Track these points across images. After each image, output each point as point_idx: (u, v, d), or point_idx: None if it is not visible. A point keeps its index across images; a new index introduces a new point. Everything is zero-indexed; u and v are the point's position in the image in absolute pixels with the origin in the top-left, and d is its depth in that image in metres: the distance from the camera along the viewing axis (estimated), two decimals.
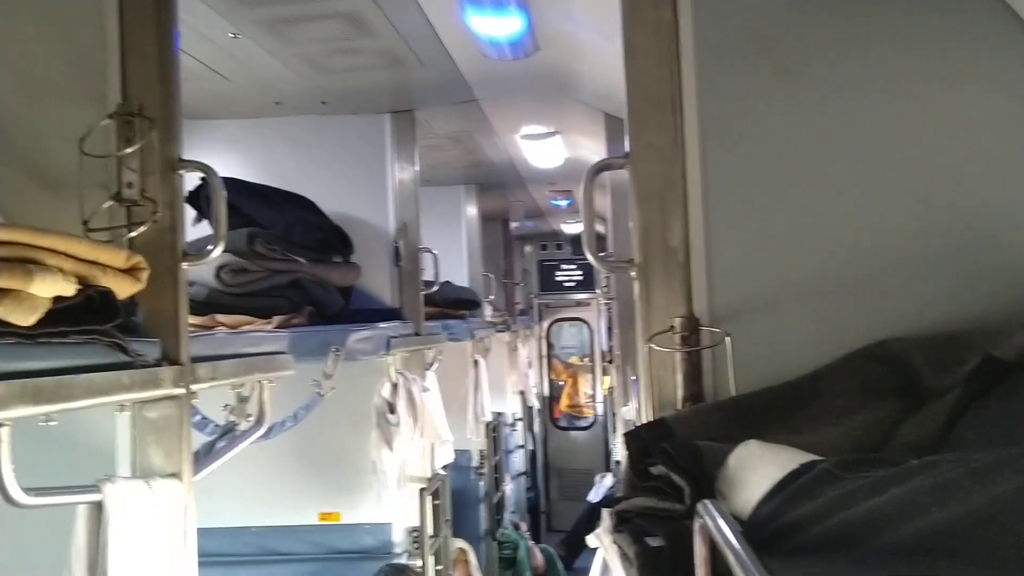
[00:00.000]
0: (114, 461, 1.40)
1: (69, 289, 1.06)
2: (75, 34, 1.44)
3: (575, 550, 6.16)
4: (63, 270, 1.05)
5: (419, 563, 3.37)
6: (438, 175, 4.91)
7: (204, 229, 2.07)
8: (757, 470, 0.96)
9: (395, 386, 3.22)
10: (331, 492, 3.36)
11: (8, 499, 1.03)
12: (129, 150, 1.39)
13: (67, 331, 1.09)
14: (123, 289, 1.20)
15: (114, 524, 1.17)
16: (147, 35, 1.45)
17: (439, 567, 3.51)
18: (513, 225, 7.53)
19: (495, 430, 5.44)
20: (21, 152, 1.38)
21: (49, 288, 1.02)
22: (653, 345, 1.40)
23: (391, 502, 3.28)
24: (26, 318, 1.00)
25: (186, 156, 1.54)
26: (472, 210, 5.79)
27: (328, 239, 3.20)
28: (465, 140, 4.42)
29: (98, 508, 1.17)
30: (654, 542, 0.98)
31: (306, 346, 2.43)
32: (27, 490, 1.05)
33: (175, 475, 1.36)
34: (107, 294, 1.17)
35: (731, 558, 0.70)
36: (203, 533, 1.46)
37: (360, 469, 3.30)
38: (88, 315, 1.14)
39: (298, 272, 2.93)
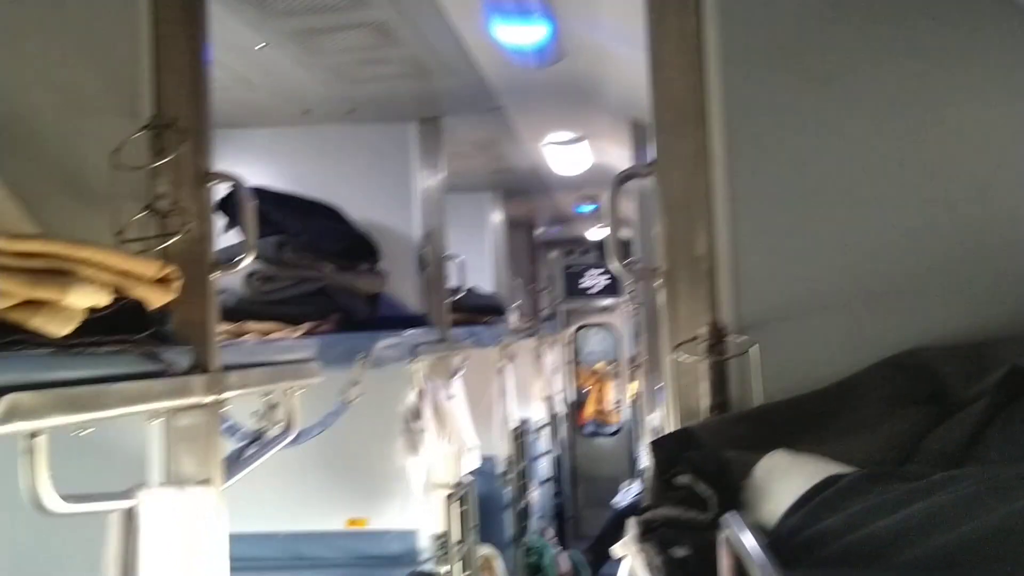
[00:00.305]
0: (145, 468, 1.42)
1: (103, 299, 1.08)
2: (109, 49, 1.47)
3: (601, 557, 6.14)
4: (97, 281, 1.07)
5: (445, 569, 3.38)
6: (463, 182, 4.93)
7: (234, 235, 2.10)
8: (783, 481, 0.96)
9: (421, 393, 3.24)
10: (358, 498, 3.38)
11: (41, 508, 1.05)
12: (161, 162, 1.41)
13: (101, 341, 1.11)
14: (156, 299, 1.22)
15: (147, 530, 1.19)
16: (179, 48, 1.47)
17: (465, 573, 3.52)
18: (538, 231, 7.54)
19: (521, 436, 5.45)
20: (56, 165, 1.41)
21: (84, 299, 1.04)
22: (678, 354, 1.40)
23: (417, 509, 3.30)
24: (61, 328, 1.03)
25: (216, 165, 1.56)
26: (497, 216, 5.81)
27: (355, 247, 3.23)
28: (490, 147, 4.44)
29: (131, 515, 1.19)
30: (679, 552, 0.99)
31: (333, 353, 2.45)
32: (62, 498, 1.07)
33: (206, 481, 1.38)
34: (140, 304, 1.19)
35: (755, 571, 0.71)
36: (233, 539, 1.47)
37: (387, 475, 3.32)
38: (121, 325, 1.16)
39: (325, 279, 2.95)
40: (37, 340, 1.00)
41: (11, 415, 0.92)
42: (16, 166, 1.26)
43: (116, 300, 1.13)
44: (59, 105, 1.45)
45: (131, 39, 1.45)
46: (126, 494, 1.20)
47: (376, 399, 2.83)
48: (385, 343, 2.80)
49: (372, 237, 3.32)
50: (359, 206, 3.36)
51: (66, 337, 1.04)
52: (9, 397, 0.92)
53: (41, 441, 1.00)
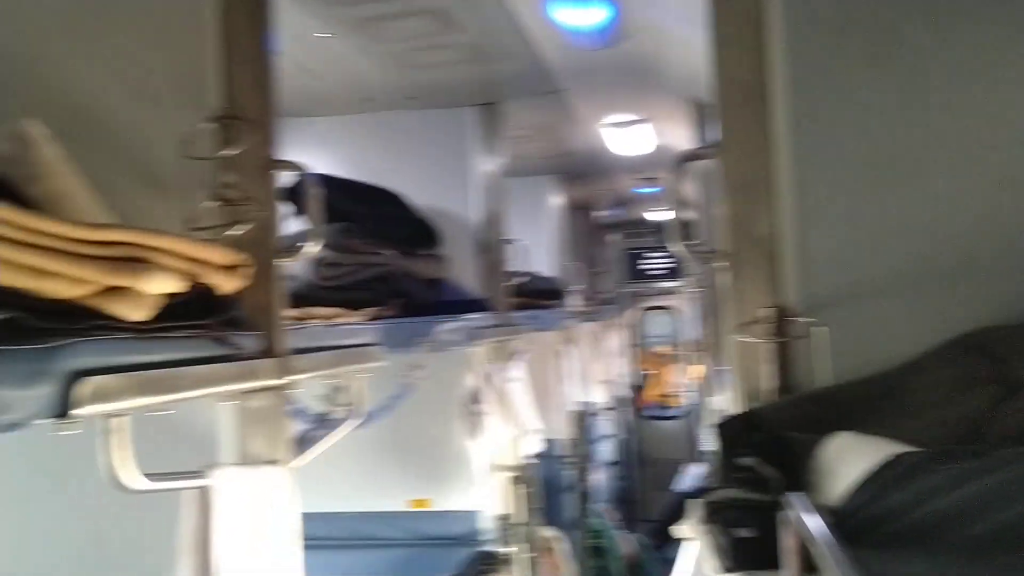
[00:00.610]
0: (217, 449, 1.46)
1: (177, 286, 1.11)
2: (178, 42, 1.51)
3: (664, 539, 6.13)
4: (171, 269, 1.11)
5: (508, 551, 3.42)
6: (523, 165, 4.93)
7: (299, 223, 2.14)
8: (848, 462, 0.96)
9: (482, 376, 3.27)
10: (421, 479, 3.43)
11: (119, 486, 1.09)
12: (229, 152, 1.45)
13: (175, 326, 1.15)
14: (226, 285, 1.25)
15: (221, 508, 1.23)
16: (246, 40, 1.51)
17: (528, 555, 3.55)
18: (599, 214, 7.50)
19: (582, 420, 5.46)
20: (130, 157, 1.46)
21: (159, 286, 1.08)
22: (741, 335, 1.39)
23: (479, 490, 3.33)
24: (138, 314, 1.06)
25: (282, 154, 1.59)
26: (557, 200, 5.80)
27: (416, 232, 3.26)
28: (550, 130, 4.43)
29: (205, 493, 1.23)
30: (743, 533, 0.99)
31: (396, 338, 2.49)
32: (140, 476, 1.11)
33: (276, 461, 1.42)
34: (211, 291, 1.23)
35: (818, 549, 0.71)
36: (302, 517, 1.51)
37: (449, 457, 3.37)
38: (194, 311, 1.19)
39: (388, 265, 2.99)
40: (116, 325, 1.04)
41: (93, 397, 0.96)
42: (93, 159, 1.30)
43: (189, 287, 1.16)
44: (132, 99, 1.49)
45: (200, 32, 1.48)
46: (200, 473, 1.24)
47: (438, 382, 2.87)
48: (446, 327, 2.83)
49: (433, 222, 3.35)
50: (420, 192, 3.39)
51: (143, 323, 1.07)
52: (92, 380, 0.96)
53: (120, 422, 1.04)
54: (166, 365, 1.13)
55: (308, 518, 1.53)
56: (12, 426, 0.91)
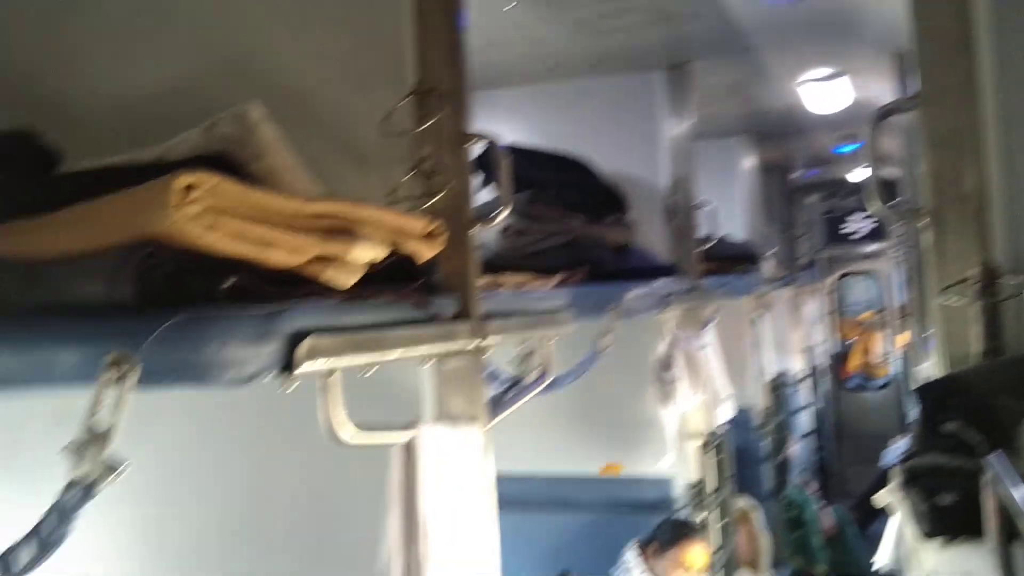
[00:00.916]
0: (417, 409, 1.55)
1: (380, 254, 1.20)
2: (375, 22, 1.60)
3: (868, 515, 5.87)
4: (376, 238, 1.19)
5: (701, 518, 3.41)
6: (712, 127, 4.82)
7: (489, 192, 2.21)
8: None
9: (672, 342, 3.25)
10: (612, 445, 3.47)
11: (335, 439, 1.19)
12: (425, 126, 1.53)
13: (379, 291, 1.24)
14: (424, 253, 1.33)
15: (425, 463, 1.31)
16: (438, 17, 1.58)
17: (722, 522, 3.52)
18: (794, 175, 7.21)
19: (778, 389, 5.31)
20: (336, 135, 1.56)
21: (365, 254, 1.16)
22: (947, 297, 1.32)
23: (672, 457, 3.33)
24: (347, 280, 1.15)
25: (472, 126, 1.66)
26: (748, 161, 5.63)
27: (603, 198, 3.28)
28: (741, 90, 4.31)
29: (410, 447, 1.32)
30: (944, 500, 0.95)
31: (584, 304, 2.52)
32: (352, 431, 1.20)
33: (473, 421, 1.49)
34: (411, 258, 1.31)
35: (1020, 513, 0.68)
36: (496, 478, 1.58)
37: (640, 424, 3.38)
38: (396, 277, 1.28)
39: (575, 232, 3.03)
40: (328, 291, 1.14)
41: (311, 355, 1.05)
42: (301, 137, 1.41)
43: (391, 254, 1.24)
44: (335, 79, 1.60)
45: (396, 13, 1.57)
46: (405, 429, 1.33)
47: (627, 348, 2.88)
48: (635, 293, 2.84)
49: (620, 188, 3.35)
50: (606, 158, 3.39)
51: (351, 288, 1.17)
52: (309, 339, 1.05)
53: (335, 379, 1.14)
54: (372, 327, 1.22)
55: (500, 480, 1.60)
56: (243, 381, 1.02)
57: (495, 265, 2.86)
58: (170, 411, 1.77)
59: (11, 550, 1.01)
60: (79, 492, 0.97)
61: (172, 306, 0.98)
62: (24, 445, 1.97)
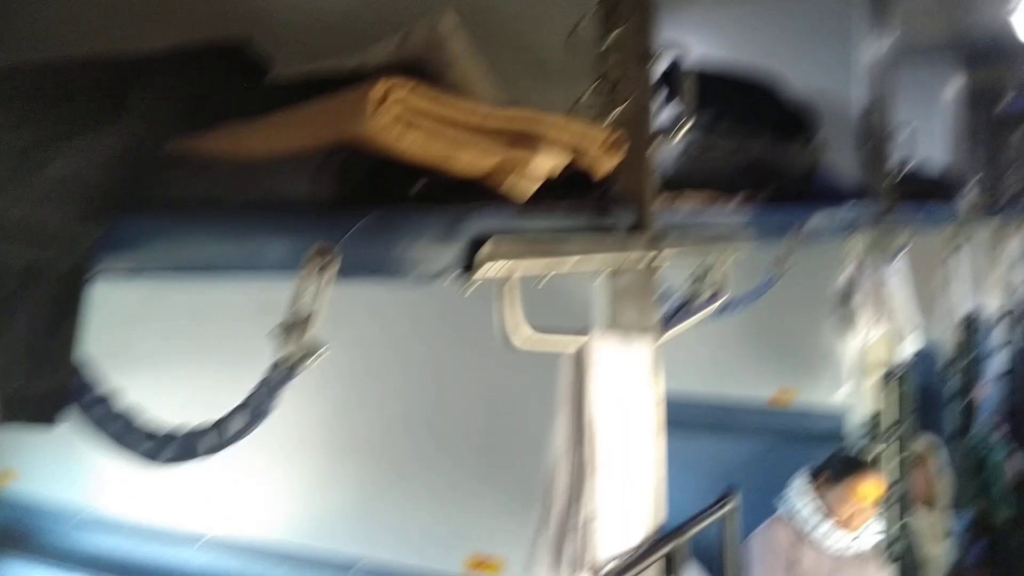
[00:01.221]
0: (589, 318, 1.59)
1: (561, 163, 1.22)
2: None
3: None
4: (557, 146, 1.22)
5: (875, 452, 3.31)
6: (916, 46, 4.49)
7: (672, 108, 2.18)
8: None
9: (856, 271, 3.13)
10: (785, 373, 3.40)
11: (510, 343, 1.24)
12: (610, 39, 1.52)
13: (559, 200, 1.27)
14: (604, 164, 1.35)
15: (594, 372, 1.35)
16: None
17: (898, 458, 3.40)
18: (1002, 104, 6.62)
19: (971, 326, 5.01)
20: (522, 45, 1.59)
21: (547, 162, 1.19)
22: None
23: (847, 389, 3.24)
24: (528, 187, 1.19)
25: (658, 40, 1.64)
26: (953, 86, 5.22)
27: (791, 118, 3.16)
28: (950, 7, 3.99)
29: (581, 354, 1.36)
30: None
31: (765, 226, 2.47)
32: (527, 336, 1.26)
33: (643, 334, 1.51)
34: (591, 168, 1.33)
35: None
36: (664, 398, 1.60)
37: (816, 353, 3.30)
38: (575, 186, 1.31)
39: (759, 152, 2.94)
40: (509, 198, 1.18)
41: (491, 258, 1.11)
42: (489, 48, 1.44)
43: (571, 164, 1.27)
44: None
45: None
46: (577, 336, 1.37)
47: (808, 274, 2.80)
48: (819, 217, 2.74)
49: (810, 108, 3.21)
50: (797, 76, 3.25)
51: (531, 196, 1.20)
52: (490, 243, 1.10)
53: (512, 283, 1.19)
54: (550, 235, 1.26)
55: (669, 399, 1.62)
56: (428, 278, 1.09)
57: (674, 183, 2.83)
58: (358, 312, 1.90)
59: (225, 418, 1.14)
60: (284, 370, 1.07)
61: (368, 205, 1.06)
62: (233, 332, 2.17)
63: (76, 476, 2.71)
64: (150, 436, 1.15)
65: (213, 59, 1.47)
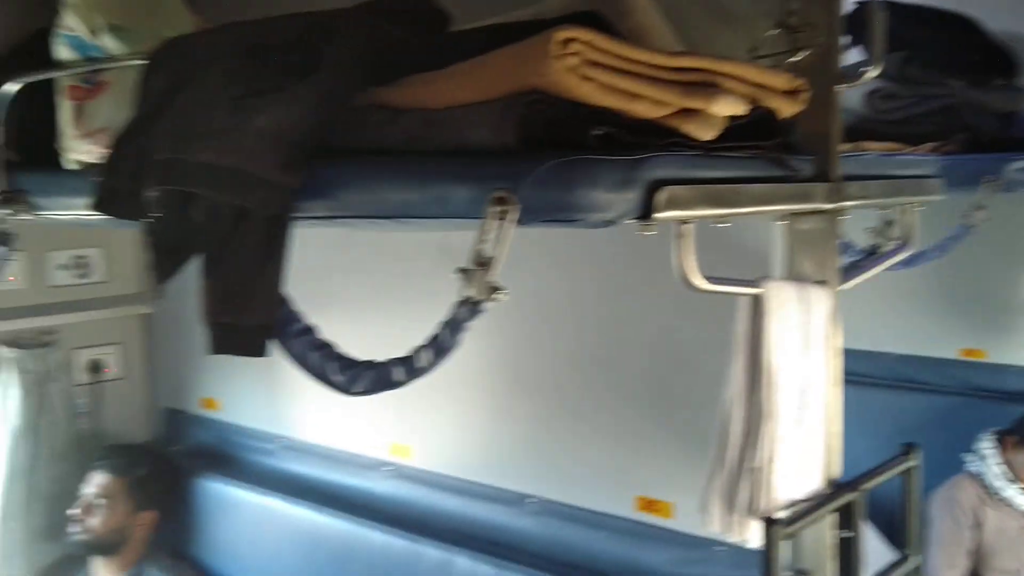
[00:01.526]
0: (766, 266, 1.57)
1: (740, 109, 1.21)
2: None
3: None
4: (736, 92, 1.20)
5: None
6: None
7: (858, 53, 2.09)
8: None
9: None
10: (976, 329, 3.23)
11: (688, 285, 1.25)
12: None
13: (737, 146, 1.25)
14: (785, 110, 1.32)
15: (771, 315, 1.34)
16: None
17: None
18: None
19: None
20: None
21: (725, 108, 1.18)
22: None
23: None
24: (706, 134, 1.19)
25: None
26: None
27: (989, 60, 2.94)
28: None
29: (758, 300, 1.35)
30: None
31: (957, 174, 2.33)
32: (704, 279, 1.26)
33: (823, 283, 1.48)
34: (771, 114, 1.30)
35: None
36: (845, 350, 1.56)
37: (1010, 309, 3.11)
38: (754, 133, 1.29)
39: (953, 96, 2.76)
40: (687, 143, 1.18)
41: (670, 204, 1.11)
42: None
43: (751, 110, 1.25)
44: None
45: None
46: (755, 282, 1.36)
47: (1003, 226, 2.64)
48: (1019, 165, 2.57)
49: (1012, 48, 2.98)
50: (998, 14, 3.01)
51: (709, 142, 1.20)
52: (668, 189, 1.11)
53: (688, 228, 1.20)
54: (728, 182, 1.26)
55: (851, 354, 1.58)
56: (607, 223, 1.11)
57: (857, 132, 2.71)
58: (536, 254, 1.96)
59: (413, 353, 1.21)
60: (467, 309, 1.14)
61: (548, 151, 1.09)
62: (415, 273, 2.29)
63: (272, 405, 2.94)
64: (346, 367, 1.24)
65: (398, 14, 1.53)
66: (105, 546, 2.95)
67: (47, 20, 1.90)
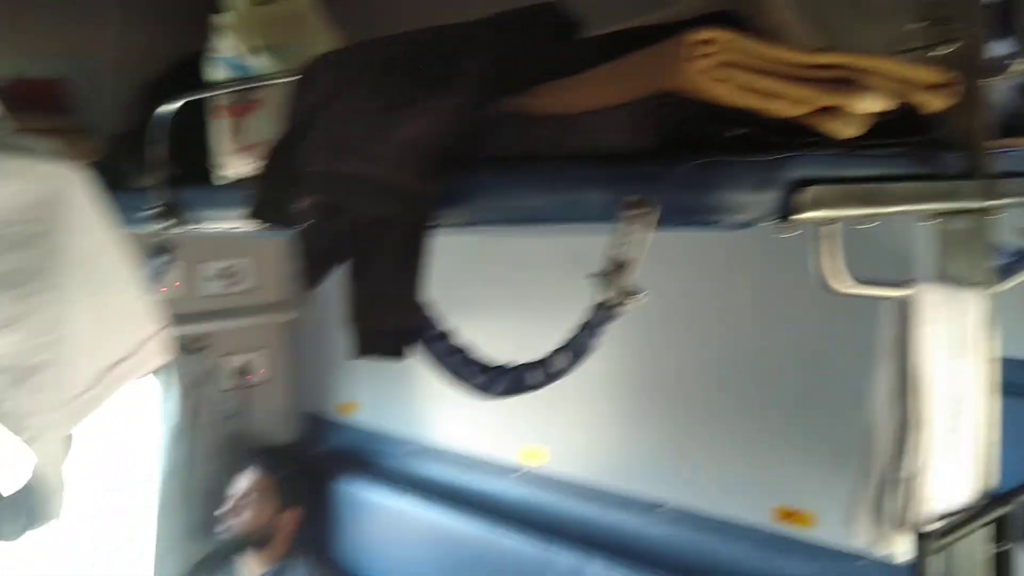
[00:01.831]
0: (912, 267, 1.51)
1: (885, 105, 1.17)
2: None
3: None
4: (880, 88, 1.17)
5: None
6: None
7: (1007, 44, 1.99)
8: None
9: None
10: None
11: (829, 288, 1.22)
12: None
13: (882, 143, 1.21)
14: (932, 105, 1.27)
15: (921, 322, 1.29)
16: None
17: None
18: None
19: None
20: None
21: (868, 105, 1.15)
22: None
23: None
24: (849, 131, 1.15)
25: None
26: None
27: None
28: None
29: (906, 304, 1.30)
30: None
31: None
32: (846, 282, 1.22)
33: (975, 285, 1.41)
34: (917, 110, 1.26)
35: None
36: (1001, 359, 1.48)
37: None
38: (900, 129, 1.24)
39: None
40: (829, 142, 1.15)
41: (813, 204, 1.09)
42: None
43: (896, 106, 1.21)
44: None
45: None
46: (903, 284, 1.31)
47: None
48: None
49: None
50: None
51: (853, 139, 1.16)
52: (810, 189, 1.09)
53: (831, 229, 1.16)
54: (872, 180, 1.22)
55: (1005, 361, 1.50)
56: (746, 225, 1.10)
57: (1009, 128, 2.55)
58: (677, 257, 1.94)
59: (550, 356, 1.23)
60: (604, 312, 1.14)
61: (685, 154, 1.08)
62: (543, 281, 2.31)
63: (410, 408, 3.02)
64: (484, 370, 1.27)
65: (527, 24, 1.56)
66: (253, 542, 3.10)
67: (195, 47, 2.02)
